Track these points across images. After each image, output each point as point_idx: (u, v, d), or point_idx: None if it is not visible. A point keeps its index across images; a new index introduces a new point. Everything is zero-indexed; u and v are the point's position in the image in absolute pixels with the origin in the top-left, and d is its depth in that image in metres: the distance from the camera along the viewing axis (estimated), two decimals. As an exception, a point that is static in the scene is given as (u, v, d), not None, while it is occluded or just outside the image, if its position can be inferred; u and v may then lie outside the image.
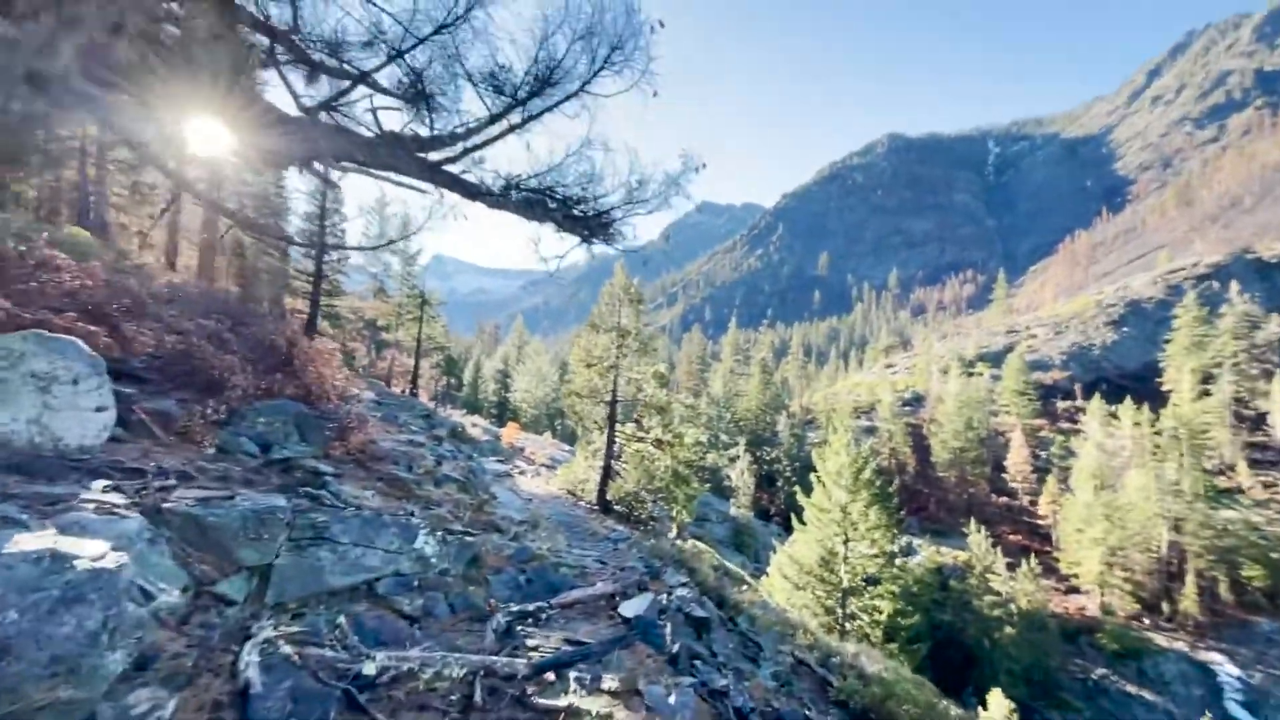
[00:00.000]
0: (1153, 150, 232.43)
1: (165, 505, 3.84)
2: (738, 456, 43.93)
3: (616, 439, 18.12)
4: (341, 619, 3.79)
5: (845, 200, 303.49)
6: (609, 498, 16.63)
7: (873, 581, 13.60)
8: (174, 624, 3.24)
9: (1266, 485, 45.20)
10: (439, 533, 5.36)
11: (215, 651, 3.25)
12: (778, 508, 54.28)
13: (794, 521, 15.61)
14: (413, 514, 6.39)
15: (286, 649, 3.23)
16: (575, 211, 3.81)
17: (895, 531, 14.01)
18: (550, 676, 4.02)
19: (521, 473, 19.75)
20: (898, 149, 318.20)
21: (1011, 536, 43.88)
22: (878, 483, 14.58)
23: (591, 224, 3.91)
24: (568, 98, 3.44)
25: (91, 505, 3.43)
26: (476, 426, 28.78)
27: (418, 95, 4.16)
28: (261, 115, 3.48)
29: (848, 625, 13.62)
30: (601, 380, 18.12)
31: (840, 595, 13.92)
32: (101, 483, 3.81)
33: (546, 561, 6.64)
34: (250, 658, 3.18)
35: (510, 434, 31.51)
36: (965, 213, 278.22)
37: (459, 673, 3.49)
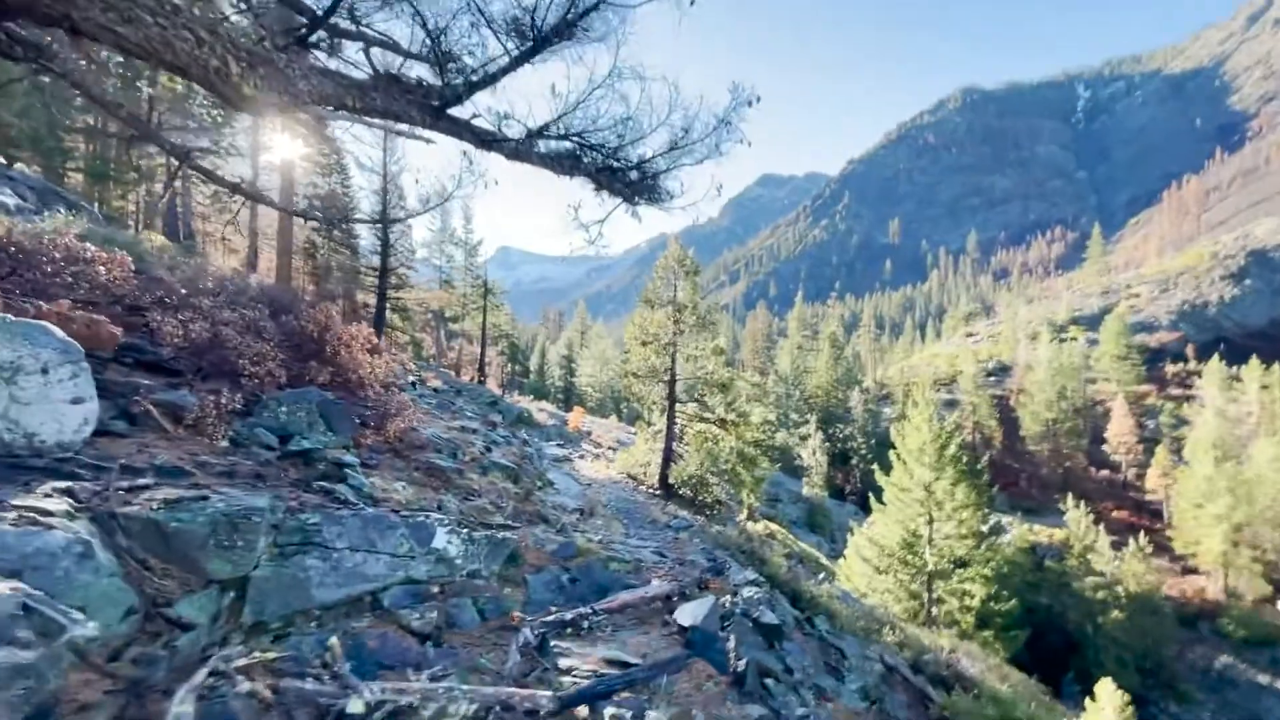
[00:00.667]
0: (1276, 79, 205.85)
1: (123, 510, 3.30)
2: (809, 435, 42.57)
3: (677, 420, 17.51)
4: (333, 640, 3.26)
5: (916, 162, 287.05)
6: (671, 481, 16.11)
7: (961, 564, 12.57)
8: (101, 661, 2.63)
9: None
10: (465, 530, 4.91)
11: (151, 695, 2.61)
12: (853, 486, 52.50)
13: (872, 501, 14.64)
14: (440, 506, 6.04)
15: (250, 684, 2.66)
16: (612, 163, 3.36)
17: (986, 510, 12.90)
18: (582, 711, 3.37)
19: (582, 457, 19.45)
20: (973, 103, 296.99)
21: (1115, 513, 40.51)
22: (964, 459, 13.42)
23: (632, 178, 3.44)
24: (589, 9, 2.90)
25: (11, 515, 2.86)
26: (543, 412, 29.15)
27: (438, 57, 3.75)
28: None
29: (934, 610, 12.72)
30: (659, 359, 17.44)
31: (925, 579, 12.96)
32: (50, 485, 3.32)
33: (595, 557, 6.20)
34: (181, 707, 2.53)
35: (576, 418, 31.74)
36: (1051, 166, 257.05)
37: (468, 709, 2.97)
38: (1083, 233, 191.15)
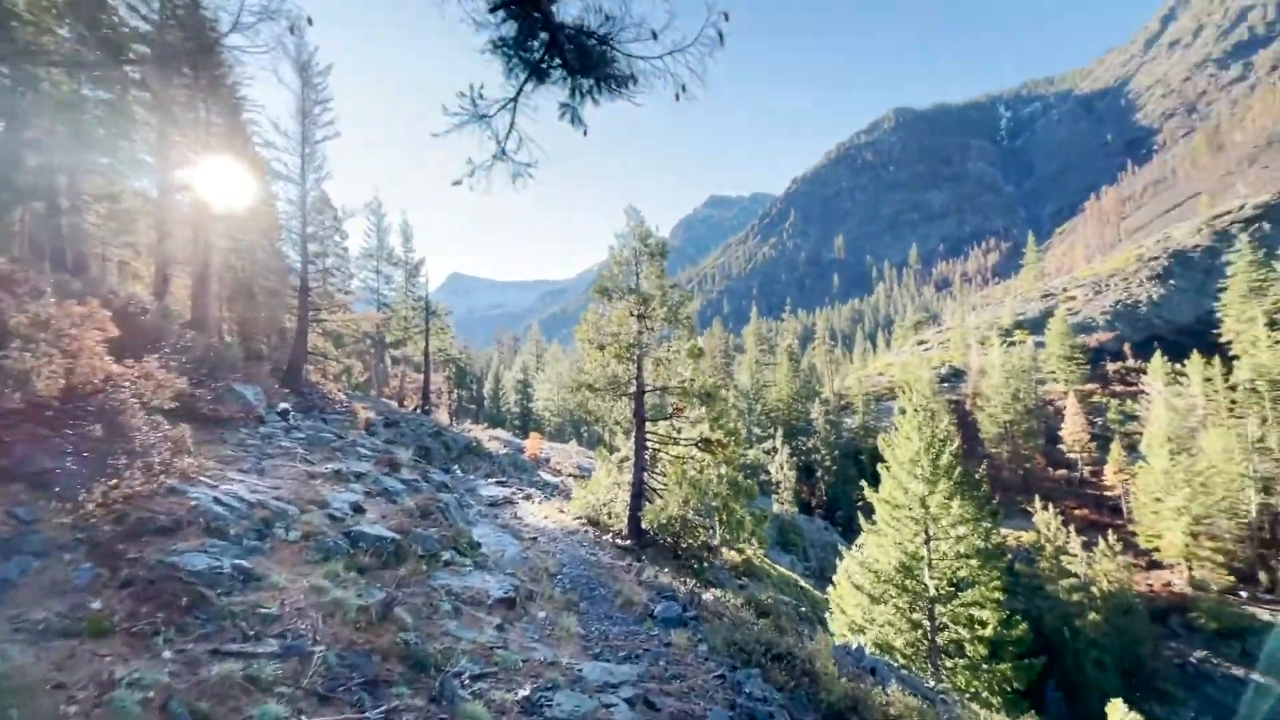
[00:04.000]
0: (1175, 96, 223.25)
1: None
2: (775, 449, 41.64)
3: (648, 443, 13.99)
4: None
5: (856, 180, 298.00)
6: (645, 526, 12.72)
7: (964, 585, 11.37)
8: None
9: (1353, 435, 41.60)
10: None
11: None
12: (819, 500, 51.88)
13: (860, 520, 13.23)
14: None
15: None
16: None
17: (988, 525, 11.82)
18: None
19: (528, 497, 15.81)
20: (906, 123, 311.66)
21: (1077, 511, 40.90)
22: (958, 469, 12.25)
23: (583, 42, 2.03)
24: None
25: None
26: (496, 440, 27.14)
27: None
28: None
29: (938, 639, 11.42)
30: (621, 365, 13.94)
31: (927, 605, 11.63)
32: None
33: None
34: None
35: (533, 445, 29.83)
36: (982, 181, 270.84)
37: None
38: (1015, 242, 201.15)
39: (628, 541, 12.81)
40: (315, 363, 24.20)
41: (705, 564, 12.76)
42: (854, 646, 8.77)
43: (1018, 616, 12.25)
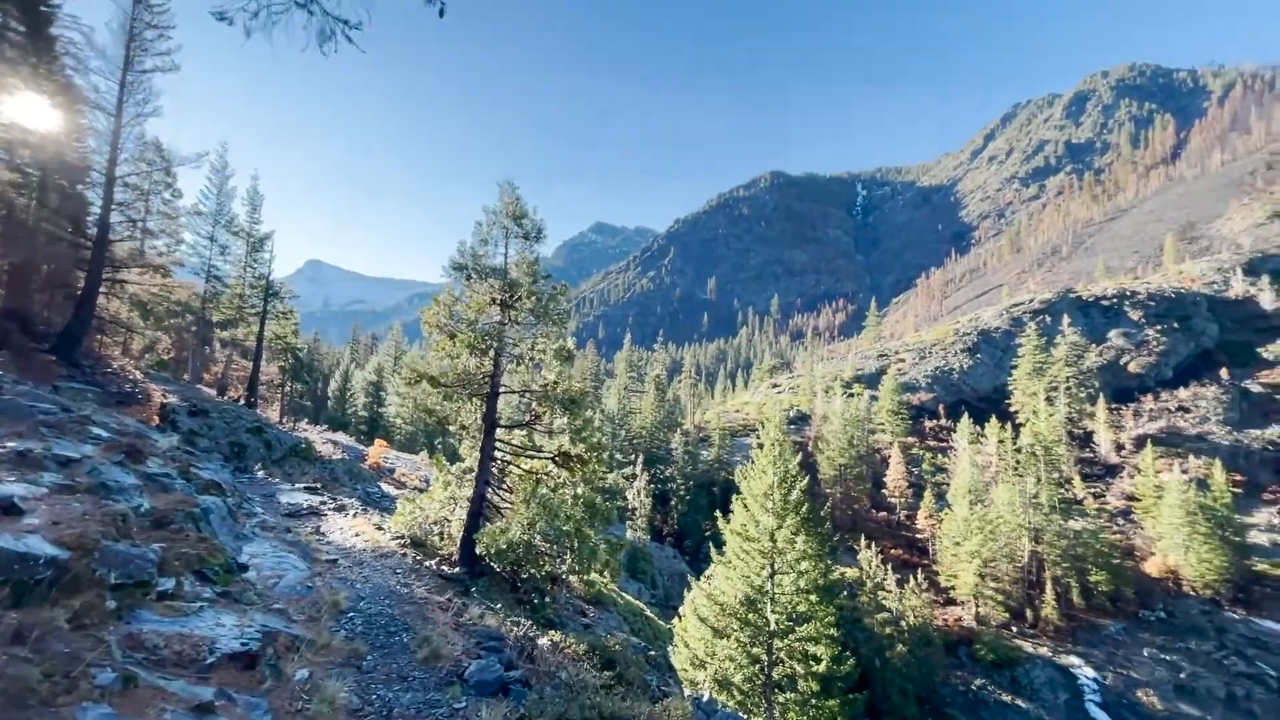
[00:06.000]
0: (989, 202, 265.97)
1: None
2: (635, 475, 41.85)
3: (497, 453, 12.15)
4: None
5: (733, 229, 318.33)
6: (480, 552, 10.58)
7: (802, 620, 11.71)
8: None
9: (1096, 496, 50.66)
10: None
11: None
12: (670, 528, 52.92)
13: (711, 551, 13.21)
14: None
15: None
16: None
17: (828, 563, 12.33)
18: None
19: (341, 509, 13.39)
20: (780, 185, 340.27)
21: (894, 551, 45.35)
22: (805, 504, 12.72)
23: None
24: None
25: None
26: (333, 444, 24.34)
27: None
28: None
29: (775, 673, 11.62)
30: (474, 359, 11.91)
31: (767, 639, 11.79)
32: None
33: None
34: None
35: (377, 453, 27.20)
36: (837, 247, 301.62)
37: None
38: (860, 306, 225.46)
39: (456, 570, 10.95)
40: (114, 334, 20.23)
41: (547, 599, 11.31)
42: (705, 699, 8.48)
43: (847, 653, 12.92)
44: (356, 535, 11.21)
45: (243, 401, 22.67)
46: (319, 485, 15.23)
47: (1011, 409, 62.61)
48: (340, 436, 31.88)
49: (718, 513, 13.73)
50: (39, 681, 3.78)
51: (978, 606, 35.79)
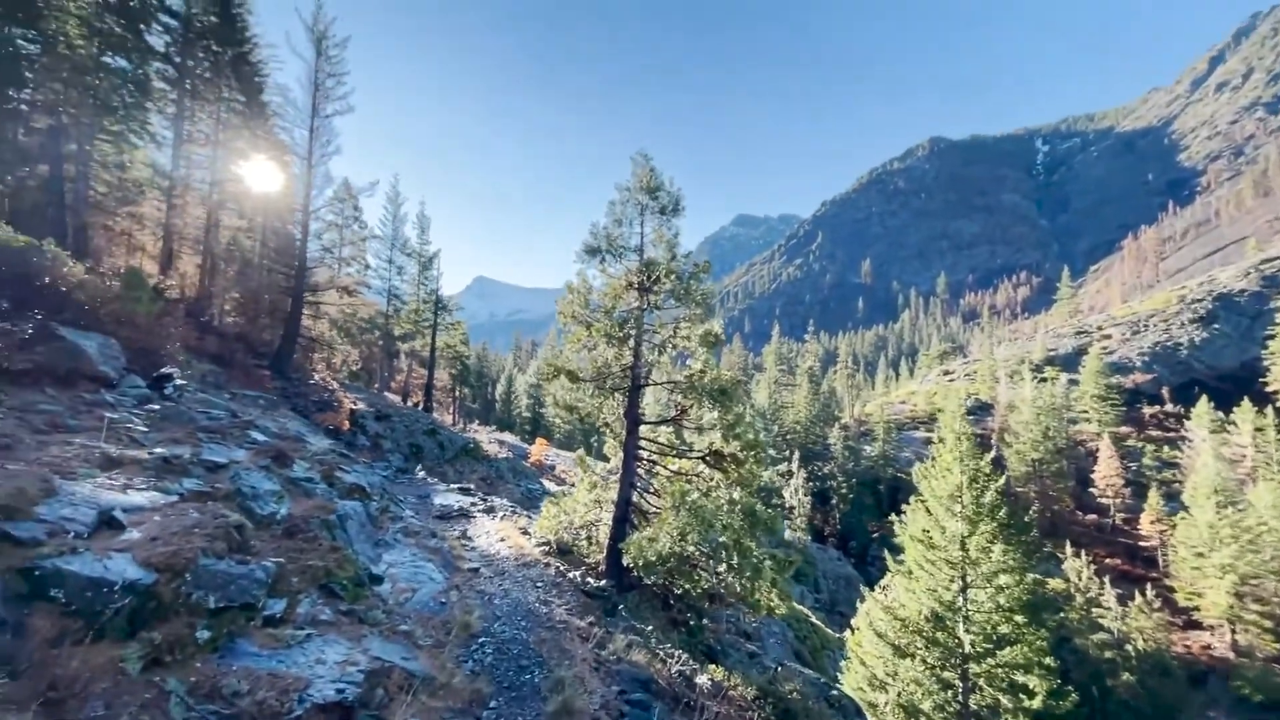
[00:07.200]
0: (1221, 139, 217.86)
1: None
2: (791, 473, 40.00)
3: (642, 452, 11.14)
4: None
5: (887, 205, 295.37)
6: (628, 563, 9.51)
7: (1003, 643, 9.82)
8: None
9: None
10: None
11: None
12: (832, 529, 49.97)
13: (888, 560, 11.67)
14: None
15: None
16: None
17: (1036, 576, 10.31)
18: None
19: (491, 511, 13.34)
20: (940, 152, 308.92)
21: (1108, 560, 38.51)
22: (1003, 508, 10.67)
23: None
24: None
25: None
26: (500, 443, 26.11)
27: None
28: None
29: (971, 701, 9.88)
30: (612, 349, 10.95)
31: (960, 663, 10.06)
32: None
33: None
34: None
35: (538, 451, 28.75)
36: (1015, 213, 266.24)
37: None
38: (1047, 278, 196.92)
39: (602, 582, 10.05)
40: (317, 350, 23.44)
41: (704, 619, 10.13)
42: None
43: (1069, 687, 10.65)
44: (502, 540, 10.94)
45: (420, 407, 25.19)
46: (471, 486, 15.78)
47: (1269, 389, 50.29)
48: (506, 436, 34.28)
49: (893, 516, 11.93)
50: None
51: (1234, 633, 28.97)
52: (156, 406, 8.82)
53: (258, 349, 16.69)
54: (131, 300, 10.77)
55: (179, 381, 10.19)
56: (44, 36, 16.98)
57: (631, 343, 11.06)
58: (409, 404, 24.83)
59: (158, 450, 6.97)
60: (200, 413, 9.35)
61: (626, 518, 10.79)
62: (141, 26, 19.86)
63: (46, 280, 8.89)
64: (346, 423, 14.77)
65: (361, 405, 16.91)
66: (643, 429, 11.51)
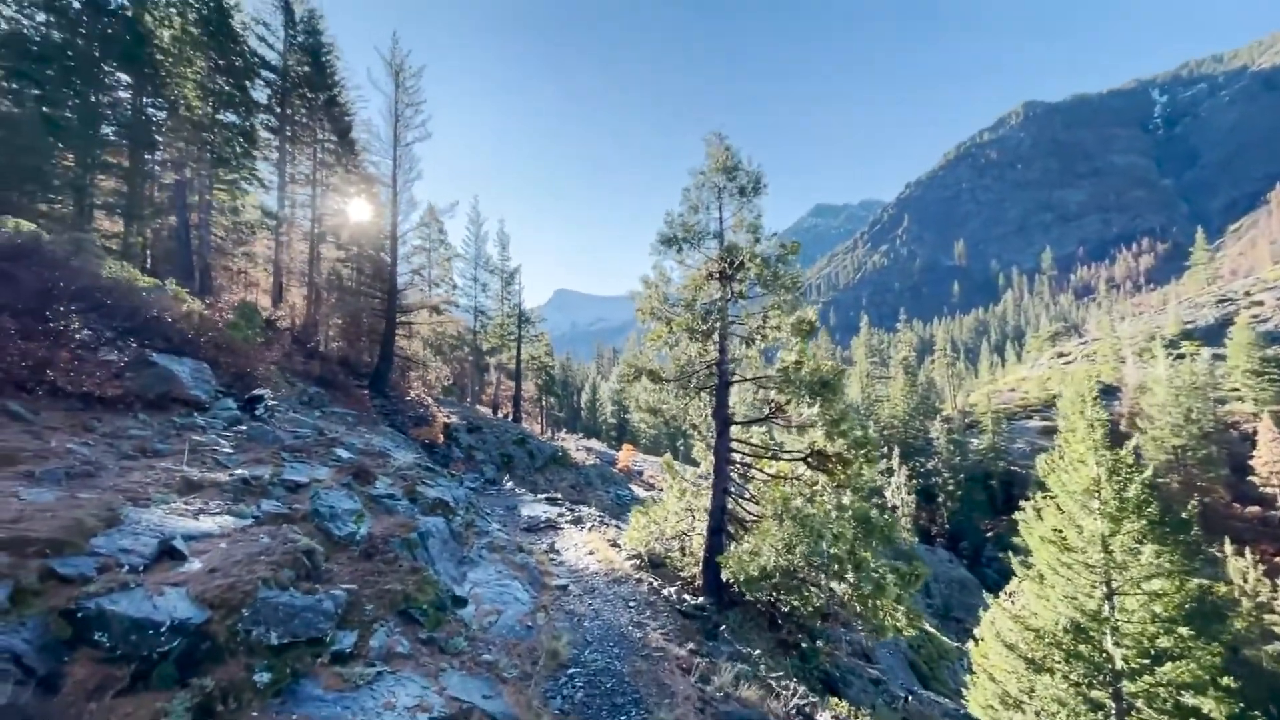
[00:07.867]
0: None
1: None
2: (891, 470, 37.86)
3: (735, 455, 10.24)
4: None
5: (979, 181, 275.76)
6: (726, 577, 8.65)
7: (1164, 658, 8.42)
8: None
9: None
10: None
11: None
12: (940, 528, 46.81)
13: (1013, 562, 10.37)
14: None
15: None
16: None
17: (1200, 580, 8.82)
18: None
19: (578, 521, 12.83)
20: (1037, 117, 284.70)
21: (1277, 559, 33.54)
22: (1152, 504, 9.16)
23: None
24: None
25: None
26: (587, 450, 26.36)
27: None
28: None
29: (1127, 727, 8.53)
30: (695, 345, 10.17)
31: (1110, 680, 8.70)
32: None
33: None
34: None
35: (625, 457, 28.79)
36: (1131, 175, 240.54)
37: None
38: (1175, 243, 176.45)
39: (700, 600, 9.14)
40: (412, 368, 24.68)
41: (819, 641, 9.03)
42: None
43: (1255, 713, 8.99)
44: (590, 553, 10.50)
45: (510, 417, 25.93)
46: (559, 495, 15.50)
47: None
48: (593, 443, 34.65)
49: (1016, 514, 10.49)
50: None
51: None
52: (244, 427, 8.91)
53: (359, 370, 17.82)
54: (233, 328, 11.65)
55: (270, 402, 10.39)
56: (168, 103, 18.90)
57: (716, 336, 10.29)
58: (499, 415, 25.63)
59: (239, 471, 6.92)
60: (287, 432, 9.47)
61: (722, 527, 10.04)
62: (246, 83, 21.72)
63: (154, 313, 9.62)
64: (441, 436, 15.39)
65: (455, 418, 17.58)
66: (733, 429, 10.71)
